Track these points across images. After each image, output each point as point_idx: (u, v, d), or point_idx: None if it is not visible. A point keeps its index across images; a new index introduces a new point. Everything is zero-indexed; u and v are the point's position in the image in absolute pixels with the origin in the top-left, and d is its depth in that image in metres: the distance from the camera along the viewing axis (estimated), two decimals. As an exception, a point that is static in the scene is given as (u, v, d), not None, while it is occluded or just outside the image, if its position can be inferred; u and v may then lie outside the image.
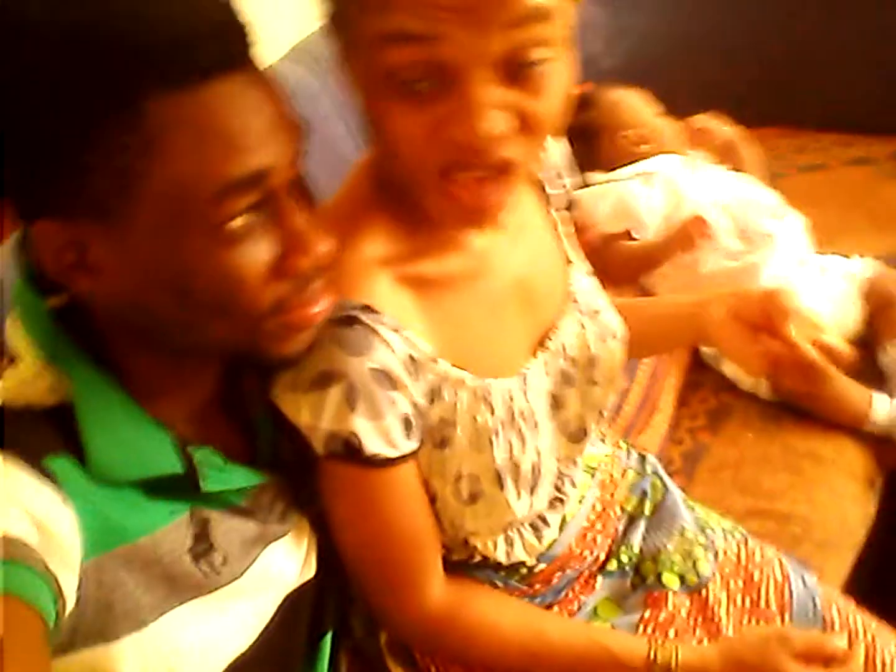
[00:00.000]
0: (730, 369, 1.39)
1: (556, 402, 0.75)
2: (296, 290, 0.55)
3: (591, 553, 0.83)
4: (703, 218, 1.38)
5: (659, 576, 0.85)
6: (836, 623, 0.84)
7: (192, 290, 0.52)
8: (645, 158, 1.59)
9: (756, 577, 0.86)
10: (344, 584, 0.71)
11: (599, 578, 0.84)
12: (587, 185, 1.59)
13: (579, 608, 0.82)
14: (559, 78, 0.57)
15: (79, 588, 0.49)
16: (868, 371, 1.35)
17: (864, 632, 0.83)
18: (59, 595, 0.47)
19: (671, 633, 0.80)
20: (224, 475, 0.59)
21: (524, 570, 0.78)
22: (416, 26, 0.51)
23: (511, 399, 0.70)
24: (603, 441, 0.90)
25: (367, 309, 0.61)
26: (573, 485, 0.80)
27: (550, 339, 0.74)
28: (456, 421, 0.67)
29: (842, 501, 1.18)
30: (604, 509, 0.85)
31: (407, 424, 0.63)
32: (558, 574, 0.81)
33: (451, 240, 0.67)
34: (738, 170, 1.61)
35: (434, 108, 0.54)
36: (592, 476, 0.85)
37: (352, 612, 0.75)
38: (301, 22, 1.35)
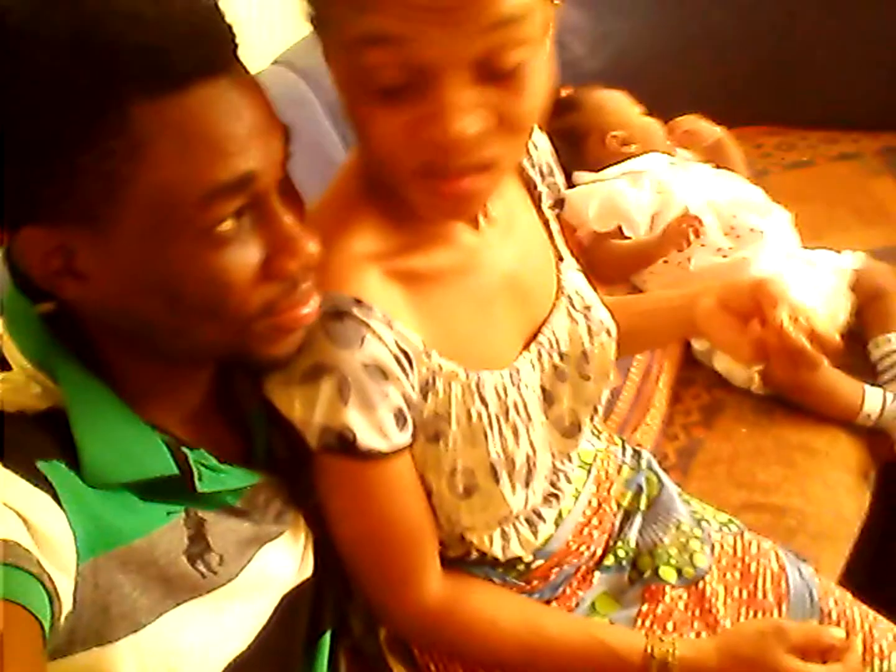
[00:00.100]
0: (722, 365, 1.39)
1: (549, 398, 0.76)
2: (285, 292, 0.55)
3: (588, 548, 0.83)
4: (695, 215, 1.38)
5: (656, 569, 0.85)
6: (833, 613, 0.84)
7: (180, 294, 0.52)
8: (631, 158, 1.60)
9: (753, 569, 0.86)
10: (342, 582, 0.71)
11: (597, 574, 0.84)
12: (574, 186, 1.60)
13: (577, 604, 0.82)
14: (538, 77, 0.57)
15: (75, 591, 0.49)
16: (859, 364, 1.36)
17: (861, 622, 0.84)
18: (54, 598, 0.47)
19: (669, 627, 0.81)
20: (219, 476, 0.58)
21: (521, 567, 0.78)
22: (392, 28, 0.51)
23: (504, 392, 0.70)
24: (598, 437, 0.90)
25: (358, 302, 0.61)
26: (568, 480, 0.80)
27: (541, 334, 0.75)
28: (450, 414, 0.67)
29: (836, 493, 1.19)
30: (599, 505, 0.85)
31: (400, 417, 0.63)
32: (555, 570, 0.81)
33: (439, 235, 0.68)
34: (724, 168, 1.62)
35: (411, 109, 0.54)
36: (588, 472, 0.85)
37: (350, 610, 0.74)
38: (291, 26, 1.35)
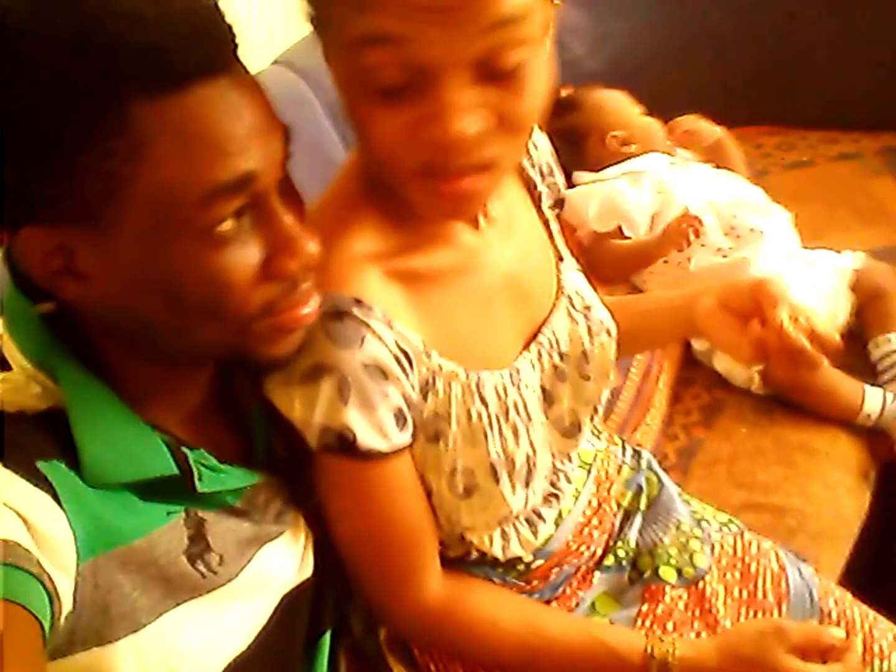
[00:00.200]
0: (721, 365, 1.39)
1: (549, 397, 0.76)
2: (284, 292, 0.55)
3: (588, 548, 0.83)
4: (696, 215, 1.38)
5: (656, 569, 0.85)
6: (833, 613, 0.84)
7: (180, 294, 0.52)
8: (631, 158, 1.60)
9: (753, 569, 0.86)
10: (342, 582, 0.71)
11: (597, 574, 0.84)
12: (574, 186, 1.60)
13: (577, 604, 0.82)
14: (538, 76, 0.57)
15: (75, 591, 0.49)
16: (859, 364, 1.36)
17: (861, 622, 0.84)
18: (54, 598, 0.47)
19: (669, 627, 0.81)
20: (219, 476, 0.58)
21: (521, 567, 0.78)
22: (392, 28, 0.51)
23: (504, 392, 0.70)
24: (598, 437, 0.90)
25: (358, 302, 0.61)
26: (568, 480, 0.80)
27: (541, 334, 0.75)
28: (450, 414, 0.67)
29: (836, 493, 1.19)
30: (599, 505, 0.85)
31: (400, 417, 0.63)
32: (555, 570, 0.81)
33: (439, 235, 0.68)
34: (724, 168, 1.62)
35: (411, 108, 0.54)
36: (588, 472, 0.85)
37: (350, 610, 0.74)
38: (291, 26, 1.35)
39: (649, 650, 0.73)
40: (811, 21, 1.90)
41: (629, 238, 1.51)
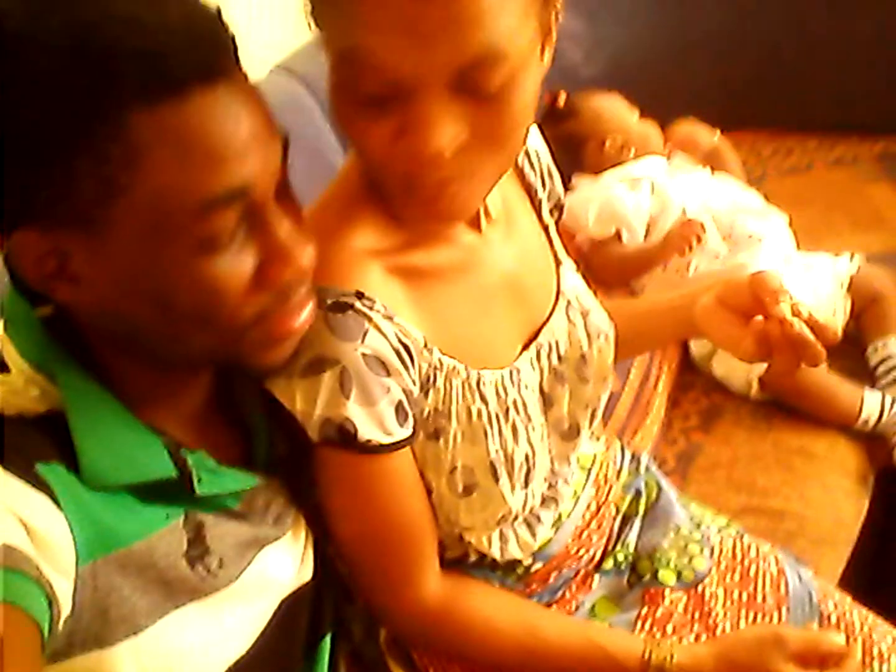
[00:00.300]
0: (720, 370, 1.40)
1: (548, 400, 0.76)
2: (277, 302, 0.55)
3: (587, 552, 0.83)
4: (699, 221, 1.39)
5: (655, 573, 0.85)
6: (833, 616, 0.84)
7: (172, 301, 0.52)
8: (629, 163, 1.61)
9: (752, 572, 0.86)
10: (342, 585, 0.71)
11: (596, 577, 0.84)
12: (573, 191, 1.61)
13: (577, 607, 0.82)
14: (523, 95, 0.57)
15: (74, 594, 0.49)
16: (857, 369, 1.36)
17: (861, 625, 0.84)
18: (53, 601, 0.47)
19: (669, 630, 0.80)
20: (218, 478, 0.58)
21: (521, 570, 0.78)
22: (370, 45, 0.52)
23: (504, 391, 0.70)
24: (597, 441, 0.90)
25: (360, 296, 0.62)
26: (567, 483, 0.80)
27: (541, 335, 0.75)
28: (450, 411, 0.67)
29: (834, 497, 1.19)
30: (598, 509, 0.86)
31: (401, 411, 0.64)
32: (555, 574, 0.81)
33: (440, 233, 0.68)
34: (721, 172, 1.63)
35: (394, 118, 0.55)
36: (587, 475, 0.85)
37: (350, 615, 0.74)
38: (291, 33, 1.35)
39: (647, 655, 0.73)
40: (808, 26, 1.90)
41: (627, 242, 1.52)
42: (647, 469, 0.94)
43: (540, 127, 0.83)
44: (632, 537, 0.87)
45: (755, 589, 0.85)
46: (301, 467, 0.65)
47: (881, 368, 1.36)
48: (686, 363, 1.46)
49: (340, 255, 0.63)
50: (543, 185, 0.81)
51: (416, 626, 0.73)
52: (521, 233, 0.76)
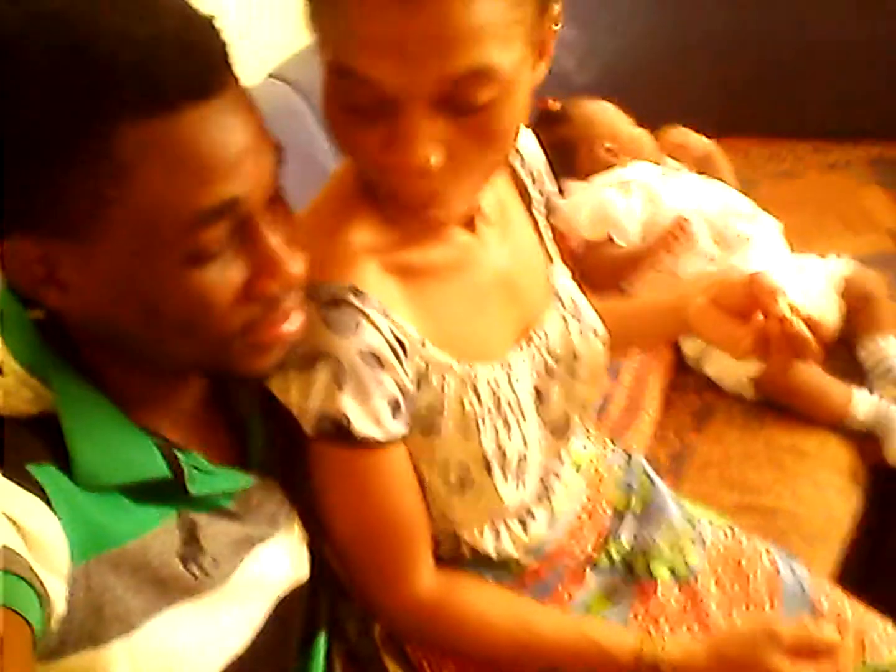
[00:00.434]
0: (712, 370, 1.40)
1: (541, 397, 0.76)
2: (265, 312, 0.55)
3: (581, 548, 0.84)
4: (685, 217, 1.40)
5: (648, 567, 0.85)
6: (825, 608, 0.85)
7: (160, 310, 0.52)
8: (621, 169, 1.62)
9: (745, 566, 0.87)
10: (337, 583, 0.71)
11: (589, 572, 0.84)
12: (565, 196, 1.62)
13: (570, 602, 0.82)
14: (511, 109, 0.58)
15: (68, 594, 0.49)
16: (848, 368, 1.37)
17: (853, 617, 0.84)
18: (45, 602, 0.47)
19: (662, 623, 0.81)
20: (211, 478, 0.59)
21: (514, 566, 0.79)
22: (354, 63, 0.53)
23: (497, 386, 0.71)
24: (590, 439, 0.91)
25: (355, 291, 0.62)
26: (559, 479, 0.81)
27: (534, 333, 0.76)
28: (443, 406, 0.68)
29: (826, 495, 1.20)
30: (592, 506, 0.86)
31: (395, 406, 0.64)
32: (548, 570, 0.81)
33: (435, 232, 0.69)
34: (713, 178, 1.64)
35: (382, 129, 0.56)
36: (580, 473, 0.85)
37: (345, 614, 0.74)
38: (285, 40, 1.36)
39: (640, 650, 0.73)
40: (804, 32, 1.91)
41: (619, 246, 1.52)
42: (640, 467, 0.94)
43: (535, 133, 0.84)
44: (625, 534, 0.87)
45: (748, 582, 0.85)
46: (295, 471, 0.66)
47: (871, 367, 1.37)
48: (679, 363, 1.47)
49: (336, 252, 0.64)
50: (533, 181, 0.82)
51: (411, 620, 0.74)
52: (515, 231, 0.77)
